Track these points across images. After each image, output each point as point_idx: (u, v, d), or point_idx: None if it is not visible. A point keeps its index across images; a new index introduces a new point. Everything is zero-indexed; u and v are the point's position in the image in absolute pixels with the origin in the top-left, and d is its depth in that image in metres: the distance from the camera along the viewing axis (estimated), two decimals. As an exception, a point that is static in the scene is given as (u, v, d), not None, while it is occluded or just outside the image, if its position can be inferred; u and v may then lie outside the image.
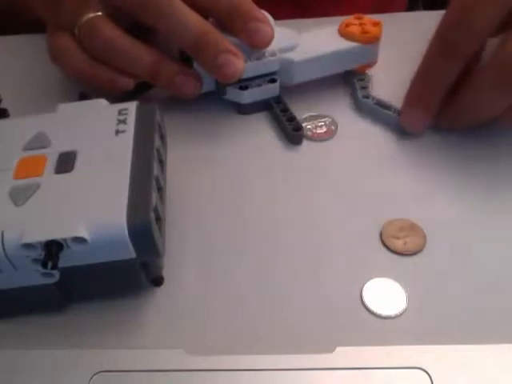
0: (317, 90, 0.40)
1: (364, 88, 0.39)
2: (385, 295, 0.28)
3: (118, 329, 0.28)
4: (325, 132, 0.37)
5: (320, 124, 0.38)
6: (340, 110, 0.39)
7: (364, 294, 0.28)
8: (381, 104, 0.38)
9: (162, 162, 0.30)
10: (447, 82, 0.33)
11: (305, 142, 0.37)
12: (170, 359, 0.25)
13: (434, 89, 0.34)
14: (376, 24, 0.39)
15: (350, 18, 0.39)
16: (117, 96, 0.34)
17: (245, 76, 0.37)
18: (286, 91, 0.39)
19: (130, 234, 0.25)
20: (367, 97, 0.38)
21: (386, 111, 0.37)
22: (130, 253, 0.25)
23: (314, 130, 0.37)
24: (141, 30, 0.37)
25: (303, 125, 0.37)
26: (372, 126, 0.38)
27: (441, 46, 0.33)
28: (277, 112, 0.38)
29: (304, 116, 0.38)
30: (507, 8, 0.31)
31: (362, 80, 0.40)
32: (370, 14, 0.40)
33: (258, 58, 0.37)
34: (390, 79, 0.40)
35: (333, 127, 0.38)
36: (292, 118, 0.37)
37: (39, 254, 0.24)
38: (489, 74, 0.32)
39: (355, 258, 0.30)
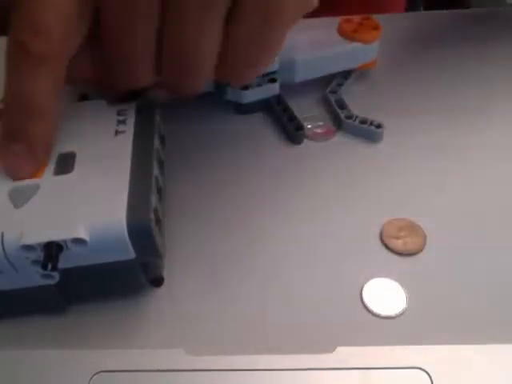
0: (317, 89, 0.40)
1: (341, 105, 0.38)
2: (385, 295, 0.28)
3: (117, 329, 0.28)
4: (325, 132, 0.37)
5: (321, 124, 0.38)
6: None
7: (364, 294, 0.28)
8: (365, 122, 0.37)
9: (161, 163, 0.30)
10: (42, 102, 0.27)
11: (305, 142, 0.37)
12: (170, 359, 0.25)
13: (28, 116, 0.27)
14: (375, 23, 0.39)
15: (348, 18, 0.39)
16: (116, 97, 0.34)
17: (245, 76, 0.37)
18: (287, 91, 0.39)
19: (129, 234, 0.25)
20: (350, 117, 0.37)
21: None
22: (129, 253, 0.25)
23: (315, 130, 0.37)
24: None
25: (304, 124, 0.37)
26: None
27: (13, 54, 0.26)
28: (277, 111, 0.38)
29: (305, 116, 0.38)
30: None
31: (335, 92, 0.39)
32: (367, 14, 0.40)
33: (258, 58, 0.37)
34: (390, 80, 0.41)
35: (333, 127, 0.38)
36: (293, 118, 0.37)
37: (39, 255, 0.24)
38: None
39: (355, 258, 0.30)
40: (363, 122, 0.36)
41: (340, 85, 0.39)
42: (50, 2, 0.24)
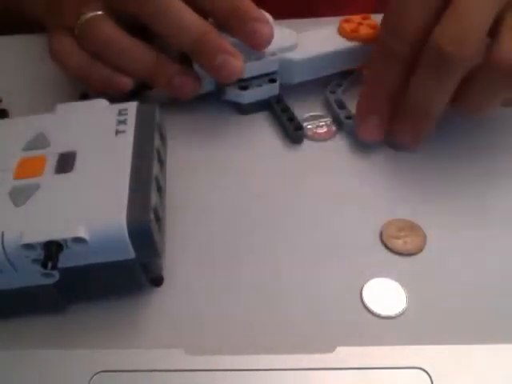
0: (317, 89, 0.40)
1: (341, 105, 0.38)
2: (385, 295, 0.28)
3: (118, 329, 0.28)
4: (325, 132, 0.37)
5: (321, 124, 0.38)
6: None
7: (364, 294, 0.28)
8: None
9: (161, 162, 0.30)
10: (393, 87, 0.33)
11: (305, 142, 0.37)
12: (169, 359, 0.25)
13: (382, 95, 0.34)
14: (374, 23, 0.39)
15: (348, 18, 0.39)
16: (116, 96, 0.34)
17: (245, 76, 0.37)
18: (287, 91, 0.39)
19: (129, 234, 0.25)
20: (350, 117, 0.37)
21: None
22: (129, 253, 0.25)
23: (315, 130, 0.37)
24: (141, 30, 0.37)
25: (304, 124, 0.37)
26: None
27: (379, 51, 0.34)
28: (277, 112, 0.38)
29: (305, 116, 0.38)
30: (434, 9, 0.31)
31: (335, 92, 0.39)
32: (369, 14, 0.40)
33: (258, 58, 0.37)
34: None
35: (333, 127, 0.38)
36: (292, 118, 0.37)
37: (39, 254, 0.24)
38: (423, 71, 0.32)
39: (355, 258, 0.30)
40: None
41: (340, 85, 0.39)
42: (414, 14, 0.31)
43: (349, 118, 0.37)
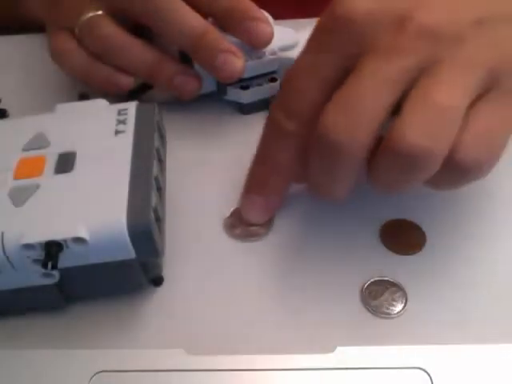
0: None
1: None
2: (385, 295, 0.28)
3: (117, 329, 0.28)
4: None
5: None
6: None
7: (364, 293, 0.28)
8: None
9: (161, 162, 0.30)
10: (284, 165, 0.30)
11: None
12: (169, 359, 0.25)
13: (270, 173, 0.30)
14: None
15: None
16: (116, 96, 0.34)
17: (245, 75, 0.37)
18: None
19: (129, 234, 0.25)
20: None
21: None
22: (129, 253, 0.25)
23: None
24: (142, 30, 0.37)
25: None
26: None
27: (269, 127, 0.30)
28: (278, 111, 0.38)
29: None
30: (329, 86, 0.27)
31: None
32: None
33: (259, 58, 0.37)
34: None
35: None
36: (293, 117, 0.37)
37: (39, 254, 0.24)
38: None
39: (355, 258, 0.30)
40: None
41: None
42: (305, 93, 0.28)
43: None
